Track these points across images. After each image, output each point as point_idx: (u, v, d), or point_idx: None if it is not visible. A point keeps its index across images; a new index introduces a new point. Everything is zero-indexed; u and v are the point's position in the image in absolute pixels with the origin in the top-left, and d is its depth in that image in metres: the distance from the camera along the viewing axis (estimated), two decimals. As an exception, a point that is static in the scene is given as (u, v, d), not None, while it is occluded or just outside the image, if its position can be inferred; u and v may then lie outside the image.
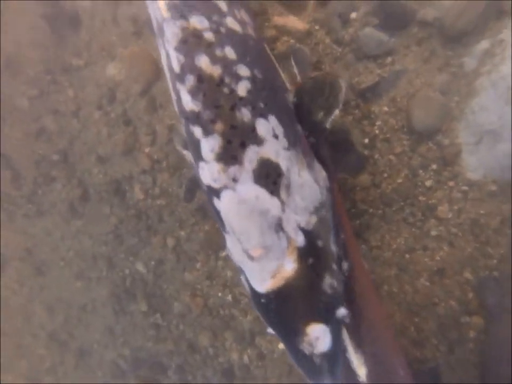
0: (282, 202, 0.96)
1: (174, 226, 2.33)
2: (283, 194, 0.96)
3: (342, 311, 1.01)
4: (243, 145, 0.95)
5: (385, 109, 1.81)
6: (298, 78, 1.72)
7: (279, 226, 0.95)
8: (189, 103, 0.97)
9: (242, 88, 0.98)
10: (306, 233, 0.99)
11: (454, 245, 1.81)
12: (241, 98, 0.98)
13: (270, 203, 0.95)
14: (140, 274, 2.57)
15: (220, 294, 2.26)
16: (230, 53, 1.01)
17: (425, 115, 1.71)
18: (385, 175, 1.84)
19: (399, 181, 1.83)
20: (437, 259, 1.84)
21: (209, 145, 0.95)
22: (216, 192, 0.97)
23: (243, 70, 1.00)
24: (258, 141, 0.96)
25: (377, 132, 1.83)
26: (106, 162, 2.43)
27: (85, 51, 2.29)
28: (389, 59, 1.75)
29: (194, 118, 0.97)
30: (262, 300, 0.98)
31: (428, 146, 1.77)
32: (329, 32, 1.83)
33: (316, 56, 1.86)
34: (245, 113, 0.96)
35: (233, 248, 1.00)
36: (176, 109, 1.13)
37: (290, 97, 1.22)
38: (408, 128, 1.78)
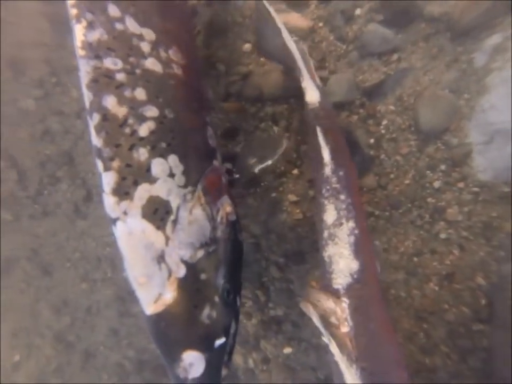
0: (167, 237, 1.06)
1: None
2: (168, 229, 1.06)
3: (221, 341, 1.09)
4: (135, 183, 1.05)
5: (392, 108, 1.75)
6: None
7: (161, 258, 1.05)
8: (94, 138, 1.06)
9: (144, 129, 1.08)
10: (189, 266, 1.07)
11: (464, 248, 1.74)
12: (141, 139, 1.07)
13: (155, 237, 1.04)
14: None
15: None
16: (140, 94, 1.09)
17: (433, 114, 1.64)
18: (392, 176, 1.78)
19: (406, 182, 1.76)
20: (446, 263, 1.78)
21: (107, 180, 1.04)
22: (113, 221, 1.06)
23: (151, 111, 1.10)
24: (151, 180, 1.06)
25: (383, 131, 1.77)
26: (109, 164, 2.42)
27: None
28: (395, 56, 1.69)
29: (97, 152, 1.06)
30: (148, 321, 1.06)
31: (436, 146, 1.70)
32: (332, 29, 1.78)
33: (320, 54, 1.81)
34: (142, 153, 1.06)
35: (127, 270, 1.09)
36: None
37: (211, 134, 1.31)
38: (415, 128, 1.72)
